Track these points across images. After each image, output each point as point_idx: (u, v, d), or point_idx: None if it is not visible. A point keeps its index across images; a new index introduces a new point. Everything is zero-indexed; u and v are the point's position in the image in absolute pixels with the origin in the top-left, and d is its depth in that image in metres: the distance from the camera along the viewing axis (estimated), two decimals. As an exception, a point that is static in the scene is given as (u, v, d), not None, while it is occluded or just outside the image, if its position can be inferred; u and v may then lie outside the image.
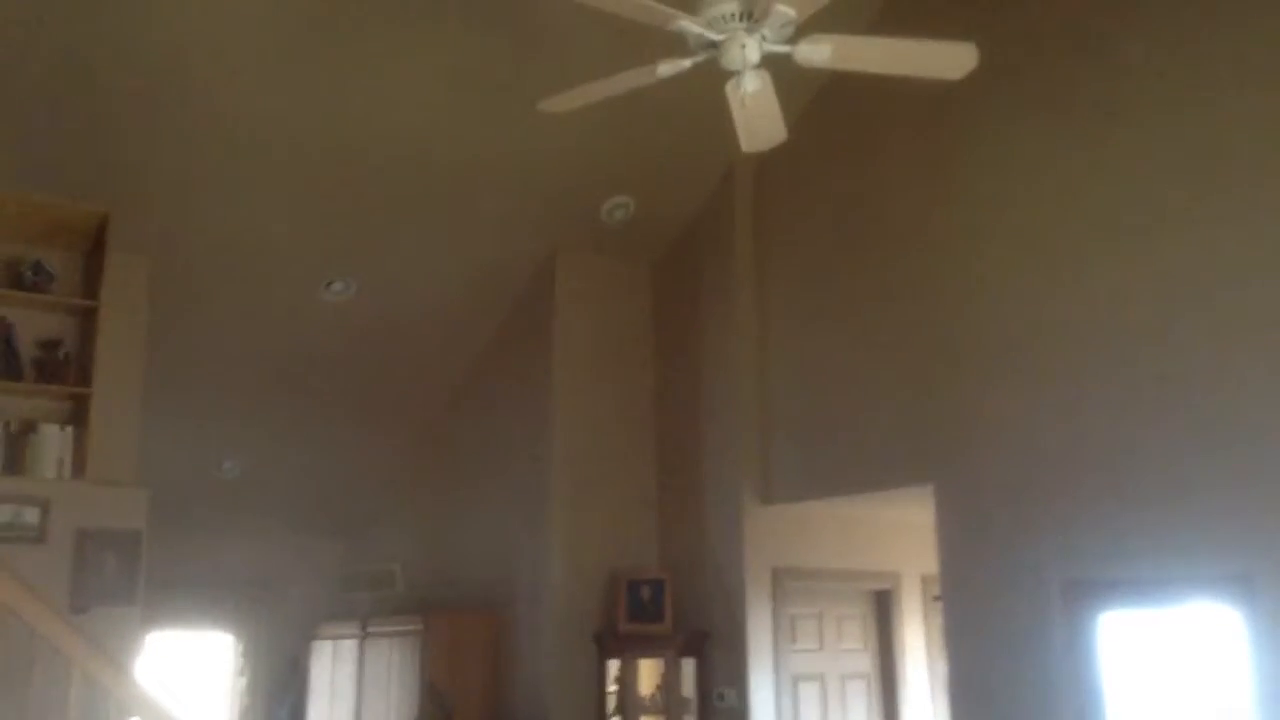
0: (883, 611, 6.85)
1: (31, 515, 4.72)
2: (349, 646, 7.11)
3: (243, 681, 7.86)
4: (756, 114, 3.69)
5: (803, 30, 3.35)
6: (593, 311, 6.62)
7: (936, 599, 6.01)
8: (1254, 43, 4.32)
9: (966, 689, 5.04)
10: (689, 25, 3.26)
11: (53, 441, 4.89)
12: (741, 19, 3.25)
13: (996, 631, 4.91)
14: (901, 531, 6.72)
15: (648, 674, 6.11)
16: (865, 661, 6.75)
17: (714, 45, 3.31)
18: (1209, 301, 4.36)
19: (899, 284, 5.61)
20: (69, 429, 4.94)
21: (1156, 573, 4.39)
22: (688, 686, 6.02)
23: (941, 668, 6.31)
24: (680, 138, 5.87)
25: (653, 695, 6.08)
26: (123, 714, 3.97)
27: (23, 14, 4.31)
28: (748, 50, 3.28)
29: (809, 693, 6.28)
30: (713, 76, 3.51)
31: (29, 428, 4.89)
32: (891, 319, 5.62)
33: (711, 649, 6.02)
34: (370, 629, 6.94)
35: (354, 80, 5.01)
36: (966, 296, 5.28)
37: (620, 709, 6.00)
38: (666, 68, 3.46)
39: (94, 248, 5.22)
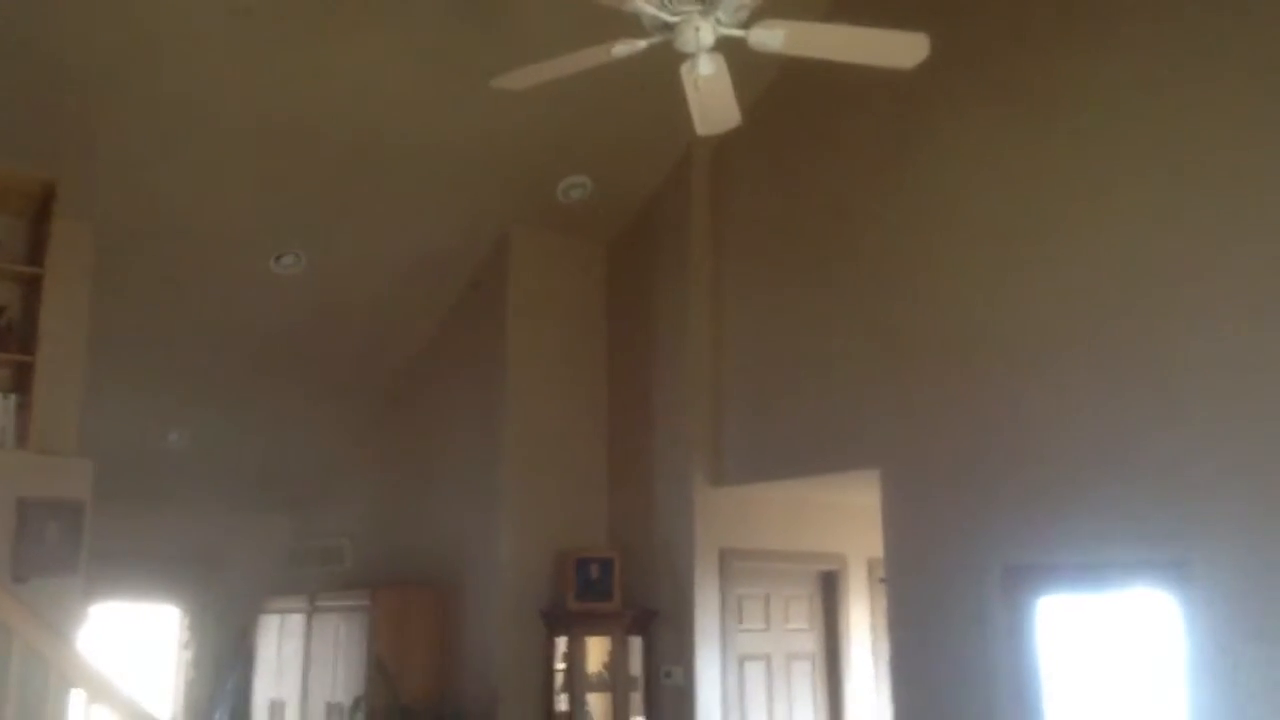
0: (829, 593, 6.94)
1: (-28, 484, 4.66)
2: (296, 620, 7.09)
3: (188, 654, 7.81)
4: (710, 97, 3.70)
5: (757, 15, 3.37)
6: (547, 290, 6.62)
7: (882, 581, 6.09)
8: (1209, 31, 4.39)
9: (907, 670, 5.13)
10: (644, 6, 3.27)
11: (-5, 410, 4.83)
12: (696, 1, 3.26)
13: (938, 614, 5.00)
14: (848, 514, 6.80)
15: (595, 651, 6.15)
16: (811, 642, 6.84)
17: (669, 27, 3.32)
18: (1148, 291, 4.45)
19: (851, 269, 5.66)
20: (11, 397, 4.87)
21: (1094, 558, 4.49)
22: (635, 664, 6.08)
23: (885, 649, 6.40)
24: (638, 118, 5.87)
25: (600, 672, 6.13)
26: (65, 685, 3.93)
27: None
28: (701, 33, 3.29)
29: (755, 672, 6.36)
30: (672, 58, 3.52)
31: (-30, 396, 4.82)
32: (843, 304, 5.67)
33: (659, 627, 6.07)
34: (318, 603, 6.92)
35: (308, 53, 4.96)
36: (917, 283, 5.34)
37: (567, 686, 6.04)
38: (621, 48, 3.46)
39: (40, 215, 5.13)
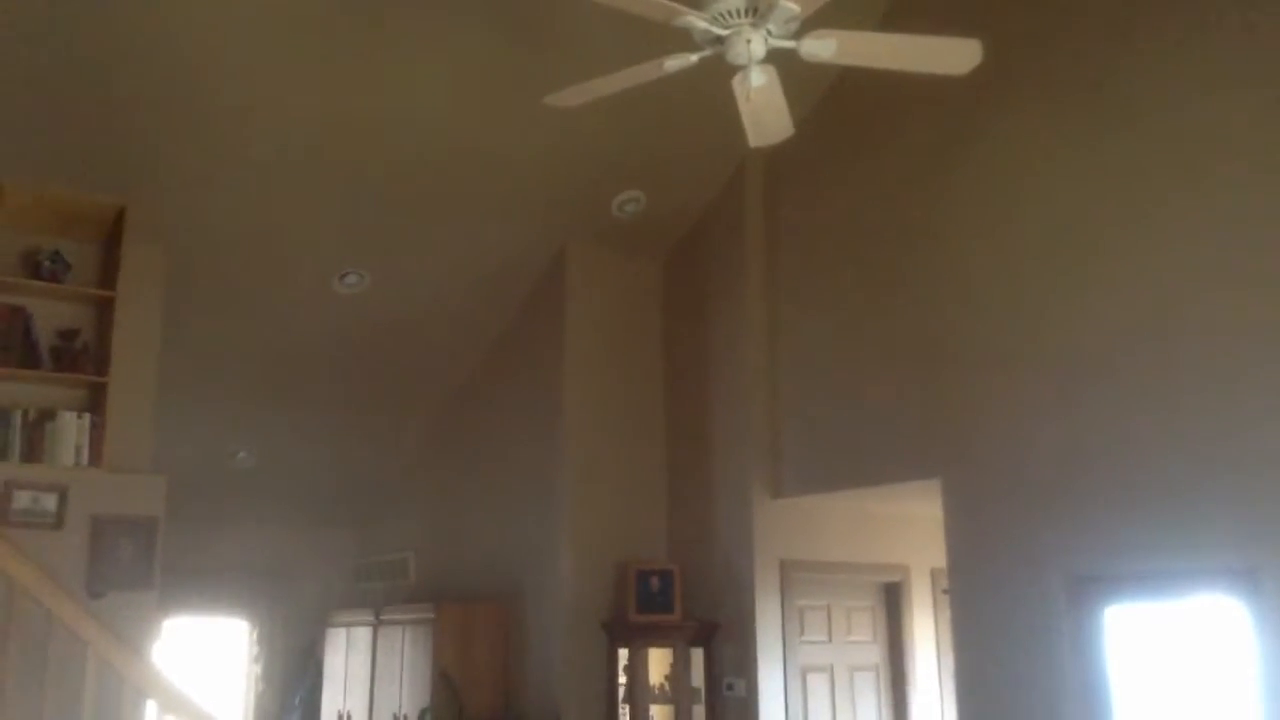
0: (892, 604, 6.88)
1: (49, 502, 4.79)
2: (362, 634, 7.19)
3: (258, 668, 7.95)
4: (763, 109, 3.72)
5: (808, 25, 3.38)
6: (603, 305, 6.66)
7: (945, 592, 6.03)
8: (1274, 32, 4.31)
9: (973, 682, 5.07)
10: (695, 20, 3.29)
11: (70, 429, 4.95)
12: (746, 14, 3.28)
13: (1003, 625, 4.93)
14: (911, 524, 6.74)
15: (657, 663, 6.16)
16: (874, 653, 6.78)
17: (720, 40, 3.34)
18: (1216, 295, 4.37)
19: (908, 278, 5.63)
20: (86, 417, 5.00)
21: (1162, 566, 4.40)
22: (697, 676, 6.07)
23: (950, 660, 6.33)
24: (691, 132, 5.90)
25: (661, 685, 6.13)
26: (139, 698, 4.03)
27: (41, 9, 4.37)
28: (753, 45, 3.31)
29: (818, 684, 6.32)
30: (723, 71, 3.54)
31: (47, 416, 4.95)
32: (901, 313, 5.64)
33: (720, 639, 6.06)
34: (383, 617, 7.01)
35: (369, 74, 5.05)
36: (975, 290, 5.30)
37: (629, 698, 6.05)
38: (673, 63, 3.49)
39: (111, 238, 5.28)
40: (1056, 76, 5.04)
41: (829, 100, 6.06)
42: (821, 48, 3.38)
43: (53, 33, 4.46)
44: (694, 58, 3.46)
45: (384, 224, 5.95)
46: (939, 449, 5.34)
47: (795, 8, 3.23)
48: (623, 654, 6.13)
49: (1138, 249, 4.65)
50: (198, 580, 7.36)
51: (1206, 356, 4.36)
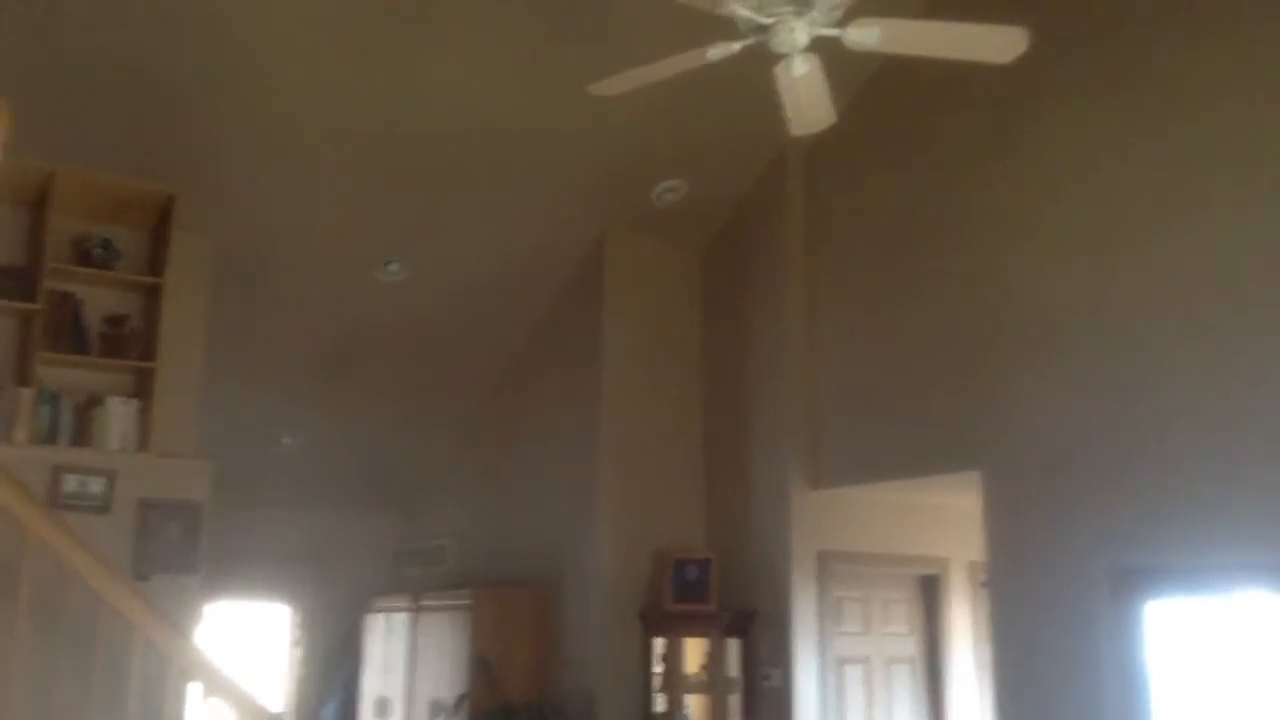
0: (929, 596, 6.85)
1: (97, 485, 4.86)
2: (401, 619, 7.25)
3: (299, 652, 8.05)
4: (805, 97, 3.70)
5: (852, 13, 3.36)
6: (642, 293, 6.67)
7: (984, 585, 6.00)
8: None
9: (1011, 675, 5.04)
10: (739, 9, 3.28)
11: (118, 414, 5.03)
12: (791, 2, 3.26)
13: (1042, 618, 4.90)
14: (949, 517, 6.71)
15: (693, 653, 6.17)
16: (911, 646, 6.76)
17: (763, 29, 3.33)
18: (1258, 285, 4.31)
19: (948, 269, 5.59)
20: (134, 402, 5.08)
21: (1204, 560, 4.36)
22: (733, 666, 6.07)
23: (988, 653, 6.30)
24: (732, 121, 5.89)
25: (698, 674, 6.14)
26: (184, 679, 4.09)
27: (93, -2, 4.44)
28: (796, 33, 3.30)
29: (854, 675, 6.31)
30: (765, 60, 3.53)
31: (95, 401, 5.03)
32: (940, 304, 5.60)
33: (757, 629, 6.07)
34: (422, 603, 7.07)
35: (413, 62, 5.09)
36: (1017, 282, 5.26)
37: (665, 686, 6.07)
38: (716, 51, 3.49)
39: (159, 226, 5.35)
40: (1098, 68, 4.99)
41: (870, 89, 6.02)
42: (865, 36, 3.37)
43: (104, 21, 4.52)
44: (737, 46, 3.45)
45: (427, 212, 5.99)
46: (979, 441, 5.31)
47: (839, -4, 3.22)
48: (659, 643, 6.15)
49: (1180, 242, 4.60)
50: (241, 564, 7.45)
51: (1251, 350, 4.30)
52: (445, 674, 6.60)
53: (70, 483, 4.80)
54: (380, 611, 7.59)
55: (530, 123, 5.57)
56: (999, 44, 3.44)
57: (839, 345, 6.16)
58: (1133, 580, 4.60)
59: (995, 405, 5.26)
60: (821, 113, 3.85)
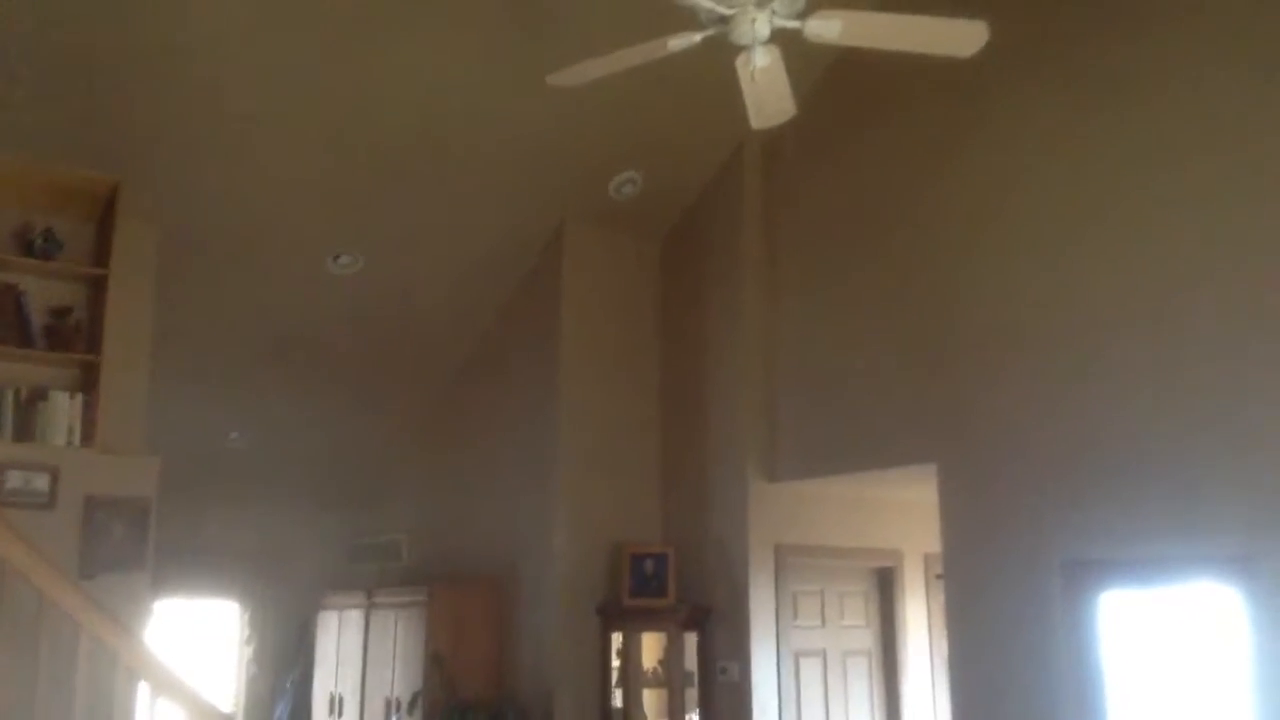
0: (885, 589, 6.89)
1: (41, 482, 4.75)
2: (355, 616, 7.17)
3: (250, 650, 7.94)
4: (766, 89, 3.68)
5: (813, 5, 3.35)
6: (600, 286, 6.64)
7: (939, 577, 6.04)
8: (1275, 11, 4.30)
9: (967, 667, 5.08)
10: (700, 0, 3.26)
11: (62, 409, 4.91)
12: (752, -7, 3.24)
13: (997, 610, 4.94)
14: (905, 510, 6.75)
15: (650, 647, 6.16)
16: (867, 638, 6.79)
17: (724, 20, 3.31)
18: (1214, 282, 4.37)
19: (906, 262, 5.61)
20: (79, 396, 4.96)
21: (1157, 552, 4.41)
22: (690, 660, 6.07)
23: (943, 645, 6.35)
24: (690, 113, 5.87)
25: (655, 668, 6.13)
26: (132, 679, 4.01)
27: (34, -19, 4.32)
28: (758, 25, 3.28)
29: (810, 668, 6.33)
30: (723, 52, 3.51)
31: (39, 395, 4.91)
32: (898, 298, 5.63)
33: (714, 623, 6.06)
34: (376, 599, 6.99)
35: (364, 52, 5.01)
36: (973, 276, 5.29)
37: (623, 681, 6.05)
38: (677, 42, 3.46)
39: (104, 216, 5.23)
40: (1059, 59, 5.03)
41: (828, 81, 6.03)
42: (826, 28, 3.35)
43: (44, 8, 4.40)
44: (698, 37, 3.42)
45: (378, 204, 5.91)
46: (935, 434, 5.33)
47: (801, -13, 3.20)
48: (616, 637, 6.12)
49: (1137, 234, 4.65)
50: (190, 561, 7.34)
51: (1205, 343, 4.36)
52: (400, 671, 6.53)
53: (13, 479, 4.70)
54: (333, 608, 7.50)
55: (486, 114, 5.51)
56: (960, 37, 3.44)
57: (796, 338, 6.16)
58: (1087, 572, 4.65)
59: (951, 399, 5.29)
60: (782, 105, 3.83)
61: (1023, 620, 4.82)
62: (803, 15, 3.34)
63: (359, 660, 7.00)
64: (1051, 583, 4.75)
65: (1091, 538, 4.64)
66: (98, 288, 5.13)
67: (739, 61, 3.54)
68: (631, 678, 6.01)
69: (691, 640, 6.09)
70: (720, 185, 6.51)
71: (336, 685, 7.23)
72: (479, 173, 5.89)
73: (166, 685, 3.96)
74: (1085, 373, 4.75)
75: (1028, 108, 5.13)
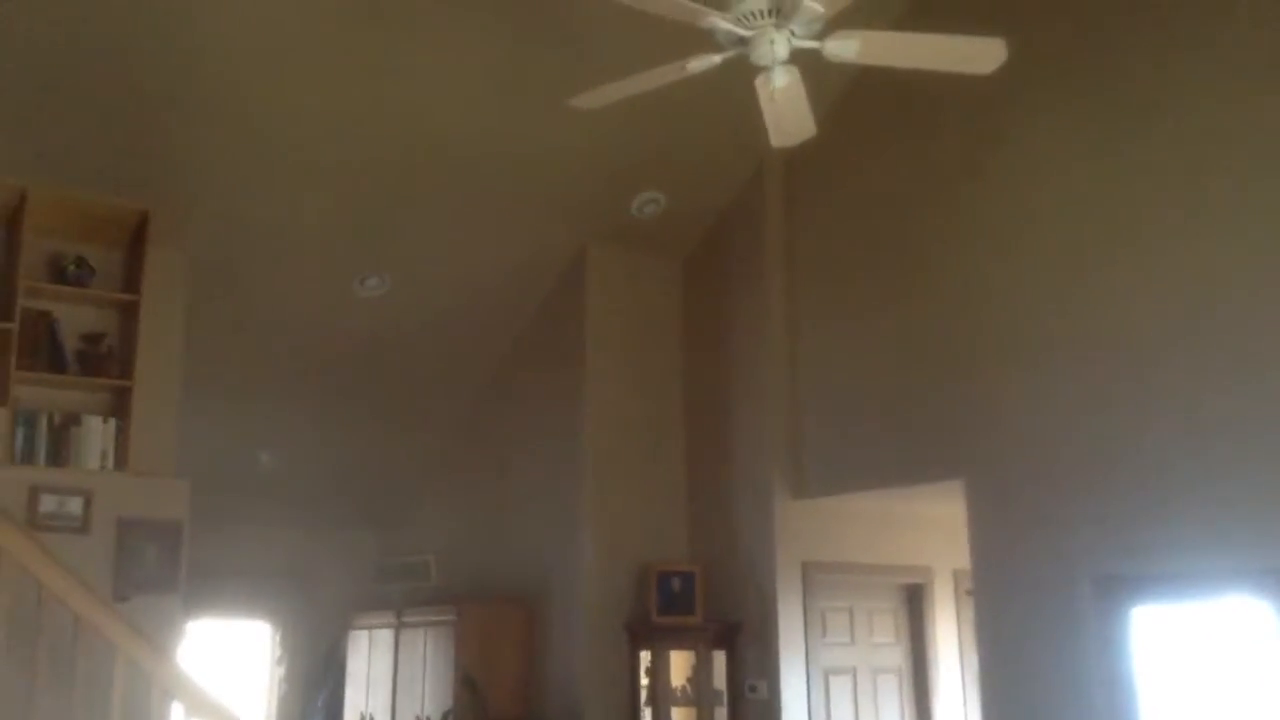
0: (914, 605, 6.85)
1: (75, 506, 4.81)
2: (384, 636, 7.20)
3: (281, 670, 7.97)
4: (785, 109, 3.71)
5: (831, 26, 3.37)
6: (624, 305, 6.66)
7: (969, 593, 6.00)
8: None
9: (997, 684, 5.04)
10: (719, 22, 3.29)
11: (95, 433, 4.98)
12: (770, 15, 3.27)
13: (1028, 626, 4.91)
14: (934, 525, 6.71)
15: (679, 665, 6.15)
16: (897, 655, 6.75)
17: (743, 41, 3.34)
18: (1243, 295, 4.34)
19: (931, 278, 5.61)
20: (111, 421, 5.03)
21: (1190, 567, 4.38)
22: (719, 678, 6.05)
23: (974, 662, 6.30)
24: (712, 133, 5.89)
25: (684, 687, 6.11)
26: (165, 699, 4.05)
27: (66, 13, 4.40)
28: (776, 46, 3.31)
29: (840, 686, 6.30)
30: (744, 72, 3.54)
31: (72, 420, 4.98)
32: (923, 314, 5.61)
33: (742, 641, 6.05)
34: (405, 619, 7.01)
35: (389, 77, 5.07)
36: (998, 290, 5.28)
37: (651, 700, 6.04)
38: (696, 64, 3.49)
39: (134, 243, 5.31)
40: (1081, 76, 5.02)
41: (848, 99, 6.03)
42: (845, 48, 3.38)
43: (75, 36, 4.49)
44: (717, 59, 3.45)
45: (405, 226, 5.97)
46: (962, 450, 5.31)
47: (819, 8, 3.23)
48: (645, 656, 6.12)
49: (1163, 249, 4.63)
50: (221, 582, 7.37)
51: (1234, 356, 4.33)
52: (430, 691, 6.55)
53: (48, 503, 4.76)
54: (363, 628, 7.53)
55: (508, 135, 5.56)
56: (979, 56, 3.46)
57: (821, 355, 6.16)
58: (1118, 587, 4.62)
59: (978, 414, 5.27)
60: (802, 124, 3.86)
61: (1053, 636, 4.79)
62: (821, 36, 3.37)
63: (389, 679, 7.02)
64: (1082, 598, 4.71)
65: (1122, 552, 4.60)
66: (129, 314, 5.20)
67: (758, 81, 3.57)
68: (660, 696, 6.00)
69: (720, 658, 6.08)
70: (742, 204, 6.53)
71: (367, 704, 7.26)
72: (502, 193, 5.94)
73: (200, 705, 4.00)
74: (1113, 387, 4.73)
75: (1051, 125, 5.12)
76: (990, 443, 5.19)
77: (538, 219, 6.24)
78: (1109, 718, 4.56)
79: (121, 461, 4.99)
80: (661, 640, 6.06)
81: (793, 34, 3.32)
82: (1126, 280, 4.74)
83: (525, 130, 5.53)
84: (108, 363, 5.15)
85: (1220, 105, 4.48)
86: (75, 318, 5.17)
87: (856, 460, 5.87)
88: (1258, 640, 4.24)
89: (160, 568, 4.94)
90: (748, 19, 3.28)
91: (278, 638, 8.02)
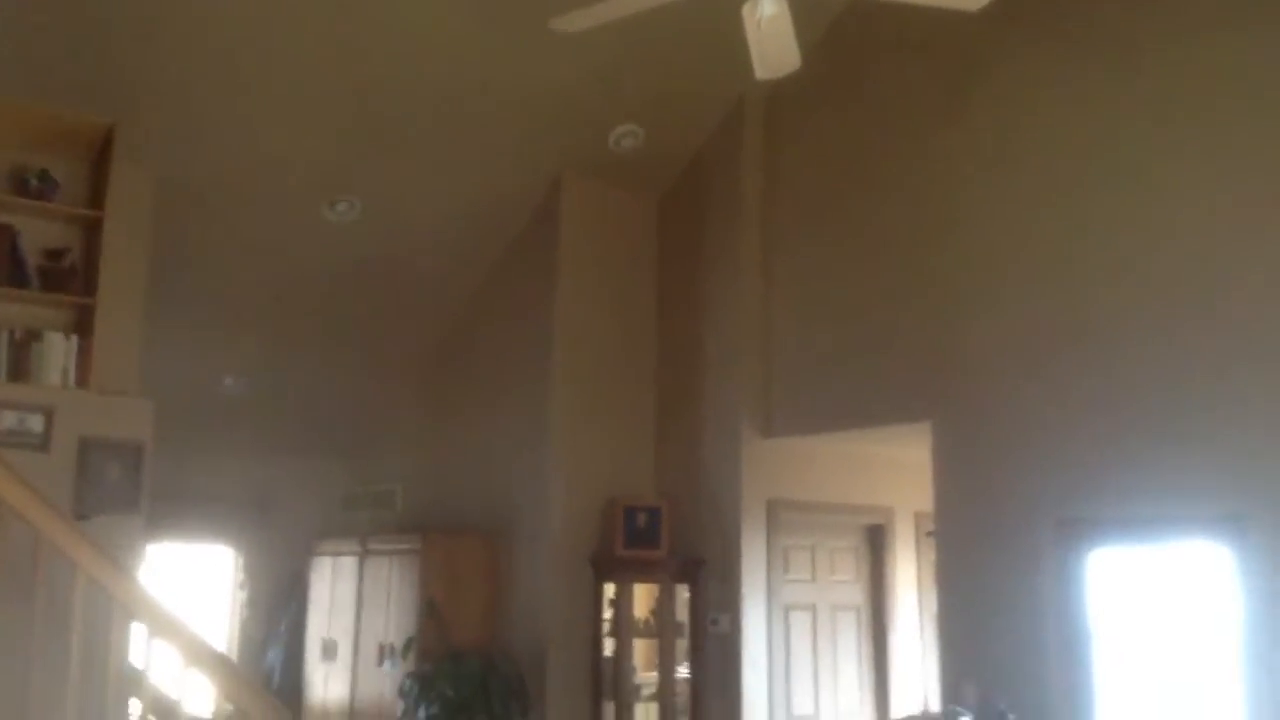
0: (875, 545, 6.93)
1: (35, 423, 4.73)
2: (349, 563, 7.20)
3: (243, 594, 7.97)
4: (771, 40, 3.64)
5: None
6: (598, 239, 6.61)
7: (929, 534, 6.08)
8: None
9: (957, 623, 5.13)
10: (705, -55, 3.22)
11: (57, 350, 4.89)
12: (759, -59, 3.20)
13: (987, 567, 4.98)
14: (897, 468, 6.77)
15: (643, 598, 6.21)
16: (856, 593, 6.85)
17: (730, -33, 3.27)
18: (1209, 244, 4.37)
19: (905, 220, 5.60)
20: (73, 338, 4.94)
21: (1149, 511, 4.45)
22: (682, 611, 6.12)
23: (931, 602, 6.41)
24: (690, 68, 5.82)
25: (647, 619, 6.18)
26: (127, 618, 4.02)
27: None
28: (765, -27, 3.24)
29: (800, 621, 6.39)
30: (728, 5, 3.47)
31: (34, 336, 4.88)
32: (895, 256, 5.62)
33: (706, 576, 6.11)
34: (370, 547, 7.02)
35: (363, 1, 4.96)
36: (971, 236, 5.28)
37: (615, 631, 6.10)
38: (682, -11, 3.42)
39: (100, 158, 5.18)
40: (1065, 17, 4.98)
41: (830, 37, 5.97)
42: (833, -23, 3.32)
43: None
44: (703, -16, 3.39)
45: (377, 151, 5.87)
46: (930, 392, 5.35)
47: (808, -66, 3.16)
48: (609, 588, 6.17)
49: (1134, 196, 4.64)
50: (184, 507, 7.33)
51: (1197, 304, 4.37)
52: (393, 618, 6.57)
53: (8, 419, 4.68)
54: (327, 555, 7.53)
55: (487, 63, 5.46)
56: (967, -10, 3.40)
57: (793, 295, 6.16)
58: (1077, 530, 4.69)
59: (947, 358, 5.30)
60: (787, 57, 3.79)
61: (1013, 577, 4.87)
62: (810, -36, 3.30)
63: (353, 606, 7.04)
64: (1043, 540, 4.79)
65: (1082, 496, 4.67)
66: (93, 230, 5.09)
67: (745, 10, 3.50)
68: (623, 628, 6.05)
69: (683, 592, 6.14)
70: (720, 140, 6.47)
71: (329, 630, 7.28)
72: (477, 121, 5.84)
73: (162, 625, 3.98)
74: (1080, 333, 4.76)
75: (1032, 68, 5.09)
76: (959, 387, 5.23)
77: (514, 148, 6.16)
78: (1065, 657, 4.65)
79: (83, 380, 4.91)
80: (626, 573, 6.10)
81: (781, -38, 3.25)
82: (1095, 224, 4.76)
83: (504, 56, 5.43)
84: (70, 279, 5.05)
85: (1199, 45, 4.47)
86: (38, 232, 5.05)
87: (825, 401, 5.89)
88: (1212, 584, 4.32)
89: (122, 488, 4.89)
90: (736, -57, 3.21)
91: (240, 562, 8.01)
